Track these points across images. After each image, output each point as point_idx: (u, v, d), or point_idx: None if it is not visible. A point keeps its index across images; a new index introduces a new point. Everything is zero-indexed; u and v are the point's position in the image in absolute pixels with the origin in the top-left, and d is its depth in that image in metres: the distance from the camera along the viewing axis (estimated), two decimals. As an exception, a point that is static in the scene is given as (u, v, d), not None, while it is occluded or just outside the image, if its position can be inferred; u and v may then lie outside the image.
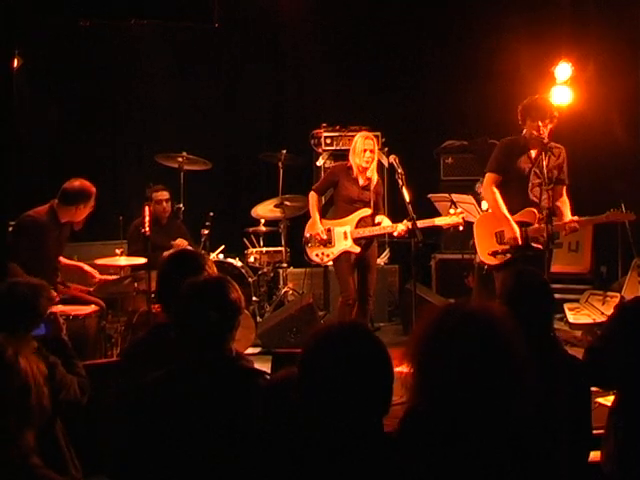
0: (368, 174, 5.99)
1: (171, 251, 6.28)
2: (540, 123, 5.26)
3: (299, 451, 2.10)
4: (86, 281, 5.91)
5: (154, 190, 6.52)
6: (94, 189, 5.60)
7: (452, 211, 5.96)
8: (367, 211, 5.99)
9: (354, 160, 5.99)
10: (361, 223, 5.99)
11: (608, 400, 3.53)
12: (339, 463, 1.97)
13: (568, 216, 5.38)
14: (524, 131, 5.43)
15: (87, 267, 5.90)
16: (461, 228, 5.94)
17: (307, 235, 6.10)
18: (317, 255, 6.06)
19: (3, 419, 1.86)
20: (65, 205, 5.52)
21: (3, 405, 1.86)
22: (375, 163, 6.06)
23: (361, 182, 6.01)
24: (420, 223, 5.70)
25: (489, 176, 5.51)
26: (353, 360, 2.00)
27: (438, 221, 5.94)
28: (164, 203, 6.76)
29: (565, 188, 5.50)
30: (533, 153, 5.41)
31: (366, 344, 2.06)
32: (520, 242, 5.27)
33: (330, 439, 1.98)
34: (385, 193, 7.15)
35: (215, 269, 3.27)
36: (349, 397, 1.97)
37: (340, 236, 5.99)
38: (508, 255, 5.34)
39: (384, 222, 5.98)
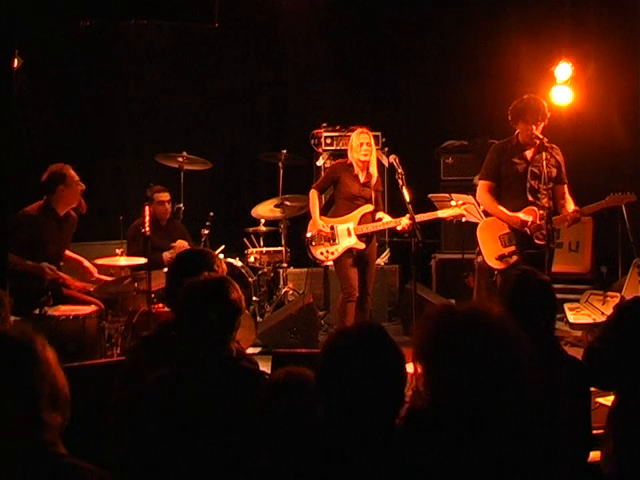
0: (370, 170, 5.99)
1: (178, 250, 6.29)
2: (534, 126, 5.28)
3: (301, 450, 2.10)
4: (84, 277, 5.90)
5: (155, 191, 6.53)
6: (65, 168, 5.52)
7: (454, 203, 5.98)
8: (369, 207, 6.00)
9: (353, 156, 6.00)
10: (363, 219, 5.99)
11: (608, 400, 3.53)
12: (353, 461, 1.97)
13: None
14: (516, 132, 5.44)
15: (87, 263, 5.90)
16: (464, 219, 5.96)
17: (308, 235, 6.10)
18: (322, 253, 6.05)
19: (30, 408, 1.88)
20: (50, 194, 5.49)
21: (29, 393, 1.88)
22: (375, 158, 6.08)
23: (362, 179, 6.01)
24: (423, 216, 5.73)
25: (482, 184, 5.58)
26: (370, 360, 2.02)
27: (441, 213, 5.95)
28: (166, 204, 6.77)
29: (566, 187, 5.51)
30: (528, 154, 5.42)
31: (383, 344, 2.07)
32: (529, 225, 5.27)
33: (346, 438, 1.99)
34: (385, 193, 7.16)
35: (225, 267, 3.26)
36: (366, 396, 1.98)
37: (344, 233, 5.99)
38: (515, 257, 5.35)
39: (385, 218, 5.99)
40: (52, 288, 5.18)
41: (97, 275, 5.89)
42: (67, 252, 5.84)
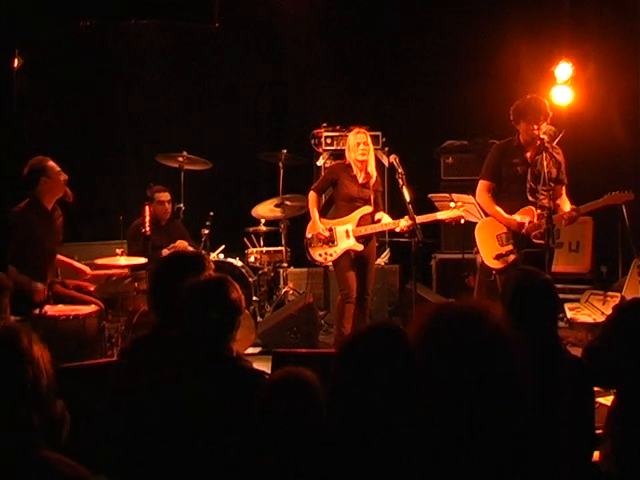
0: (368, 169, 5.99)
1: (167, 252, 6.28)
2: (535, 126, 5.28)
3: (301, 450, 2.10)
4: (77, 278, 5.89)
5: (156, 191, 6.53)
6: (45, 160, 5.48)
7: (453, 204, 5.98)
8: (368, 209, 5.99)
9: (350, 156, 6.00)
10: (362, 221, 5.98)
11: (608, 400, 3.53)
12: (366, 461, 1.96)
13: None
14: (519, 132, 5.44)
15: (77, 264, 5.88)
16: (463, 221, 5.96)
17: (308, 236, 6.09)
18: (320, 255, 6.05)
19: (19, 409, 1.86)
20: (33, 188, 5.45)
21: (18, 395, 1.87)
22: (373, 158, 6.07)
23: (360, 180, 6.00)
24: (422, 218, 5.73)
25: (481, 183, 5.59)
26: (385, 363, 2.00)
27: (440, 215, 5.95)
28: (166, 204, 6.77)
29: (564, 188, 5.52)
30: (529, 154, 5.42)
31: (398, 346, 2.05)
32: (527, 225, 5.28)
33: (360, 438, 1.98)
34: (385, 193, 7.15)
35: (212, 266, 3.24)
36: (381, 398, 1.97)
37: (342, 235, 5.98)
38: (512, 257, 5.36)
39: (384, 219, 5.99)
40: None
41: (90, 272, 5.88)
42: (58, 256, 5.80)
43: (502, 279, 5.33)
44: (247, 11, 8.23)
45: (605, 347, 3.10)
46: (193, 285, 2.75)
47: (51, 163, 5.50)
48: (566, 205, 5.45)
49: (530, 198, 5.38)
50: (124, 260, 5.94)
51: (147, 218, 5.26)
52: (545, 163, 5.24)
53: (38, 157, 5.53)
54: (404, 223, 5.72)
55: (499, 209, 5.45)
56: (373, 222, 6.00)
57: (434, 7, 8.46)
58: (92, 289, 5.76)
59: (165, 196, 6.76)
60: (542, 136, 5.27)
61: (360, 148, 5.95)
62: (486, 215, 5.77)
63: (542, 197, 5.28)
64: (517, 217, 5.34)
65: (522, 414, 1.91)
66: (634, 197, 5.35)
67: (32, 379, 1.88)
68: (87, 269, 5.86)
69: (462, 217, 5.90)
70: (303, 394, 2.37)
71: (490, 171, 5.55)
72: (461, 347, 1.88)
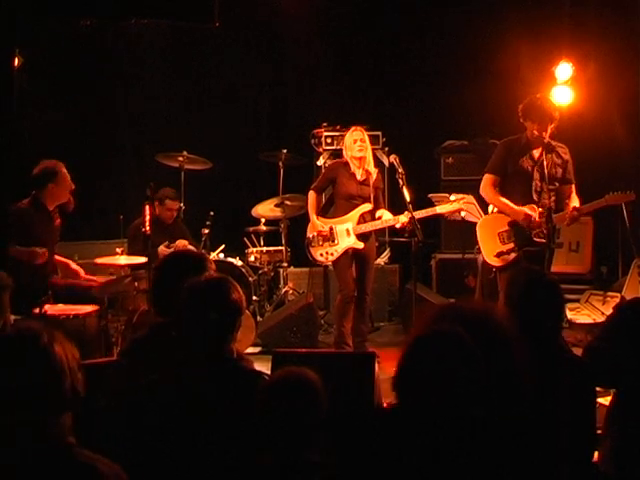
0: (366, 167, 5.99)
1: (168, 251, 6.28)
2: (537, 126, 5.27)
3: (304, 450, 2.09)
4: (72, 279, 5.90)
5: (167, 196, 6.58)
6: (59, 166, 5.55)
7: (453, 197, 5.97)
8: (368, 206, 5.99)
9: (347, 154, 6.02)
10: (362, 219, 5.98)
11: (608, 400, 3.53)
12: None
13: None
14: (526, 130, 5.43)
15: (74, 265, 5.89)
16: (463, 214, 5.95)
17: (309, 236, 6.09)
18: (321, 254, 6.04)
19: (40, 403, 1.90)
20: (39, 189, 5.51)
21: (39, 390, 1.90)
22: (371, 155, 6.08)
23: (359, 177, 6.00)
24: (422, 212, 5.75)
25: (487, 177, 5.54)
26: (451, 367, 1.92)
27: (440, 209, 5.96)
28: (174, 212, 6.80)
29: (573, 187, 5.50)
30: (536, 153, 5.39)
31: (461, 352, 1.95)
32: (537, 218, 5.26)
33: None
34: (386, 192, 7.16)
35: (214, 266, 3.24)
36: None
37: (343, 233, 5.98)
38: (513, 255, 5.35)
39: (385, 216, 5.98)
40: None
41: (84, 275, 5.89)
42: (55, 256, 5.81)
43: (503, 277, 5.32)
44: (247, 11, 8.23)
45: (605, 347, 3.10)
46: (193, 285, 2.75)
47: (63, 170, 5.56)
48: (575, 204, 5.42)
49: (535, 197, 5.36)
50: (124, 259, 5.94)
51: (147, 217, 5.27)
52: (550, 163, 5.23)
53: (52, 160, 5.58)
54: (404, 218, 5.72)
55: (510, 203, 5.39)
56: (373, 219, 6.00)
57: (434, 7, 8.46)
58: (95, 285, 5.75)
59: (175, 204, 6.81)
60: (544, 135, 5.26)
61: (357, 145, 5.96)
62: (486, 213, 5.76)
63: (545, 196, 5.28)
64: (526, 209, 5.31)
65: (522, 414, 1.91)
66: (635, 197, 5.34)
67: (55, 381, 1.92)
68: (82, 271, 5.87)
69: (462, 209, 5.91)
70: (304, 394, 2.37)
71: (496, 166, 5.51)
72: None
